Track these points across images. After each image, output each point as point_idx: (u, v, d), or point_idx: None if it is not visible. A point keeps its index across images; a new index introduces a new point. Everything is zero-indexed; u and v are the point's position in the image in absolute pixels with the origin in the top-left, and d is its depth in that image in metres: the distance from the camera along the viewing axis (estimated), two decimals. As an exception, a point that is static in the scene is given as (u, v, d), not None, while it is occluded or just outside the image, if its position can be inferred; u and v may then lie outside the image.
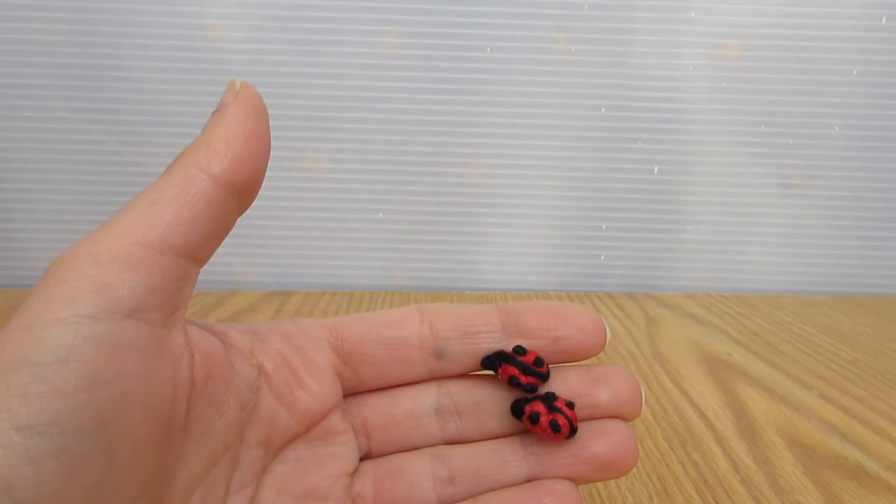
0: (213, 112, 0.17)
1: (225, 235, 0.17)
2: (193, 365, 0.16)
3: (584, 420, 0.19)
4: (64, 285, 0.14)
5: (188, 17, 0.47)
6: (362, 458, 0.20)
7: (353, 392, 0.20)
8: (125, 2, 0.47)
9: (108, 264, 0.14)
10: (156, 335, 0.15)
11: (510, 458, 0.19)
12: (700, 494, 0.25)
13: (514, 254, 0.53)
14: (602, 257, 0.54)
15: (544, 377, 0.19)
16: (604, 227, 0.53)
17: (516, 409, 0.19)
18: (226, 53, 0.48)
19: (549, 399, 0.19)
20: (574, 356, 0.20)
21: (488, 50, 0.49)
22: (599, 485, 0.26)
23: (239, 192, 0.17)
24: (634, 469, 0.27)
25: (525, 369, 0.19)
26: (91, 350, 0.13)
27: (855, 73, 0.50)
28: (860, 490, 0.26)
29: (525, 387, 0.19)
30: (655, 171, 0.52)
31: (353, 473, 0.19)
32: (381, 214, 0.52)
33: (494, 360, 0.19)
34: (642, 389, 0.20)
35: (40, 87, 0.48)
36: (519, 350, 0.19)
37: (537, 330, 0.19)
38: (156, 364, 0.15)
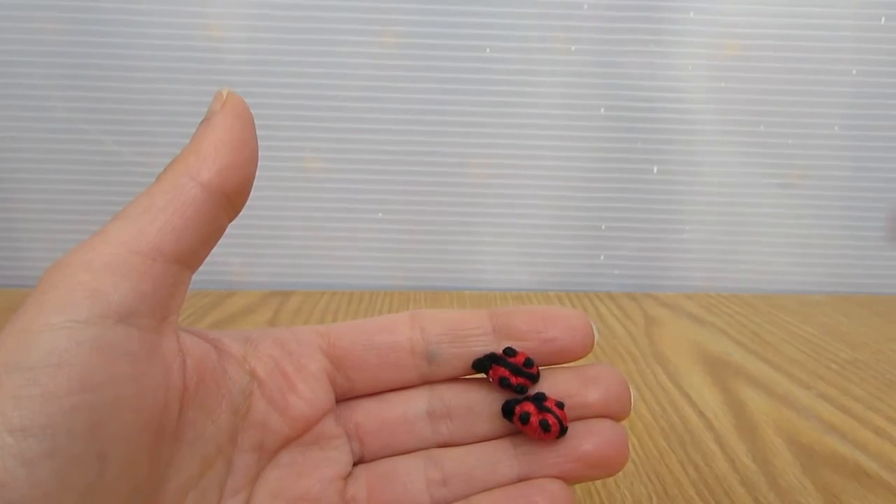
0: (202, 121, 0.18)
1: (216, 241, 0.17)
2: (185, 369, 0.17)
3: (574, 420, 0.19)
4: (57, 291, 0.14)
5: (188, 16, 0.47)
6: (356, 463, 0.20)
7: (345, 397, 0.21)
8: (125, 1, 0.47)
9: (100, 271, 0.15)
10: (148, 340, 0.15)
11: (502, 458, 0.19)
12: (700, 494, 0.25)
13: (514, 254, 0.53)
14: (602, 257, 0.54)
15: (534, 378, 0.19)
16: (603, 227, 0.53)
17: (507, 410, 0.19)
18: (226, 53, 0.48)
19: (539, 399, 0.19)
20: (564, 358, 0.20)
21: (488, 50, 0.49)
22: (598, 485, 0.26)
23: (228, 199, 0.17)
24: (634, 469, 0.27)
25: (515, 370, 0.19)
26: (83, 354, 0.14)
27: (854, 72, 0.50)
28: (860, 490, 0.26)
29: (516, 387, 0.19)
30: (655, 171, 0.52)
31: (347, 477, 0.20)
32: (380, 214, 0.52)
33: (485, 363, 0.20)
34: (632, 389, 0.20)
35: (40, 87, 0.48)
36: (509, 352, 0.19)
37: (527, 332, 0.20)
38: (148, 368, 0.15)
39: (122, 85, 0.48)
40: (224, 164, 0.17)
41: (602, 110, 0.50)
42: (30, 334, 0.14)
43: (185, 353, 0.17)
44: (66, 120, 0.49)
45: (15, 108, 0.49)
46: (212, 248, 0.17)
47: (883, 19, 0.49)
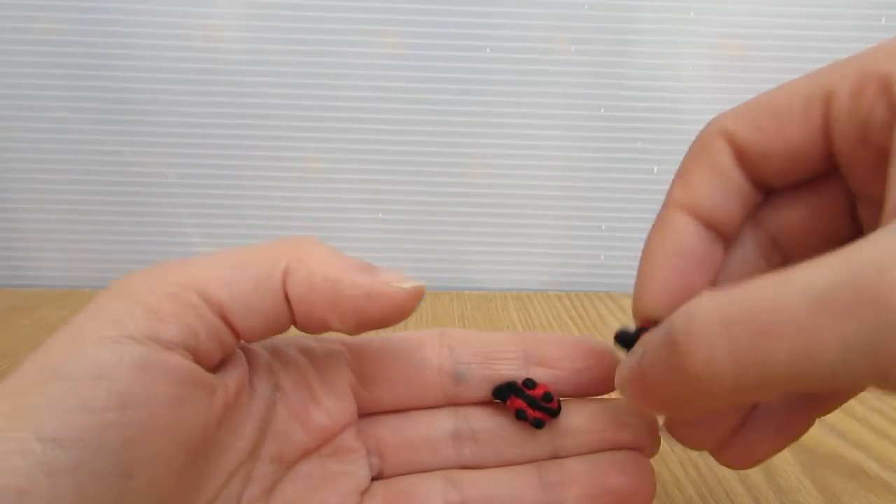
0: (391, 283, 0.17)
1: (276, 334, 0.17)
2: (227, 391, 0.17)
3: (603, 451, 0.19)
4: (115, 304, 0.15)
5: (188, 16, 0.47)
6: (374, 479, 0.20)
7: (368, 412, 0.20)
8: (125, 1, 0.47)
9: (163, 297, 0.15)
10: (194, 370, 0.15)
11: (525, 486, 0.19)
12: (699, 494, 0.25)
13: (514, 254, 0.53)
14: (602, 257, 0.54)
15: (554, 413, 0.19)
16: (603, 227, 0.53)
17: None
18: (226, 53, 0.48)
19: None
20: (593, 391, 0.20)
21: (488, 50, 0.49)
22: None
23: (307, 328, 0.17)
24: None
25: (532, 403, 0.19)
26: (125, 370, 0.14)
27: (854, 73, 0.50)
28: (859, 490, 0.26)
29: (532, 421, 0.19)
30: (655, 171, 0.52)
31: (364, 492, 0.19)
32: (380, 214, 0.52)
33: (504, 391, 0.19)
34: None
35: (40, 87, 0.48)
36: (529, 384, 0.19)
37: (559, 361, 0.19)
38: (190, 391, 0.15)
39: (122, 85, 0.48)
40: (329, 315, 0.16)
41: (602, 110, 0.50)
42: (78, 343, 0.14)
43: (230, 376, 0.17)
44: (66, 120, 0.49)
45: (15, 108, 0.49)
46: (269, 336, 0.17)
47: (883, 19, 0.49)
